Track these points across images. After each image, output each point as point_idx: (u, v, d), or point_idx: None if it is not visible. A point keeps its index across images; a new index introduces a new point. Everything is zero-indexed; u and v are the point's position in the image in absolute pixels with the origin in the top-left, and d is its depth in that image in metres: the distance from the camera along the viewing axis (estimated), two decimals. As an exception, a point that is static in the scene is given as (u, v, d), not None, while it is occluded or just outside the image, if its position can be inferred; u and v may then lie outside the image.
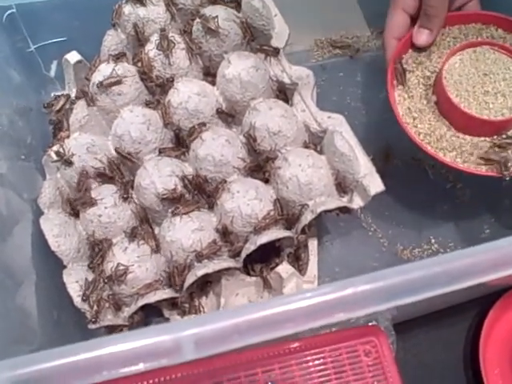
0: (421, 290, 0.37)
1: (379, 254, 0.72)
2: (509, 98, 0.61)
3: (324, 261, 0.69)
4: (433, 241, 0.73)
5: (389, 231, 0.73)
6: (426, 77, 0.65)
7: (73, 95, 0.74)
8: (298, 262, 0.66)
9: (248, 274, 0.65)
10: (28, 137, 0.72)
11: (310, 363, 0.49)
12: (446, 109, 0.63)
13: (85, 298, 0.61)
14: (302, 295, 0.36)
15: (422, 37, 0.64)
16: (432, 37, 0.65)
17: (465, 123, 0.62)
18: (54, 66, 0.80)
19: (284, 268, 0.63)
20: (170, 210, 0.63)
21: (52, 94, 0.79)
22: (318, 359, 0.49)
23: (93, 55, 0.75)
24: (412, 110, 0.64)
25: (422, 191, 0.75)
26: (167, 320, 0.65)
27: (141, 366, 0.32)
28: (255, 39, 0.69)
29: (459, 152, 0.62)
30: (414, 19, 0.66)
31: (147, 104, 0.68)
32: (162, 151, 0.65)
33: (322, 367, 0.49)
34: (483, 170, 0.61)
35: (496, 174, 0.60)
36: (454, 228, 0.74)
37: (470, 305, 0.68)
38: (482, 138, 0.62)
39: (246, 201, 0.61)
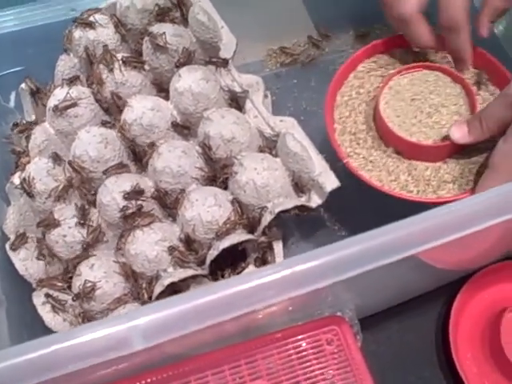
0: (356, 265, 0.39)
1: (344, 251, 0.73)
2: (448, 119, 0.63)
3: (289, 263, 0.71)
4: (396, 233, 0.74)
5: (352, 228, 0.74)
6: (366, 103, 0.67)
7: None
8: (265, 265, 0.67)
9: (216, 280, 0.66)
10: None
11: (276, 356, 0.50)
12: (392, 141, 0.64)
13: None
14: (243, 278, 0.37)
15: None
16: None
17: (410, 150, 0.63)
18: (12, 97, 0.81)
19: (250, 271, 0.64)
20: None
21: (11, 124, 0.80)
22: (283, 351, 0.50)
23: (49, 82, 0.76)
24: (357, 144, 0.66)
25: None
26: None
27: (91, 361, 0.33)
28: (205, 52, 0.71)
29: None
30: None
31: (104, 124, 0.69)
32: (120, 168, 0.66)
33: (286, 359, 0.50)
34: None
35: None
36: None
37: (437, 292, 0.70)
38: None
39: (206, 208, 0.63)
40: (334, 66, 0.86)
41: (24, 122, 0.75)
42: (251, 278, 0.37)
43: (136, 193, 0.63)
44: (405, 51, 0.70)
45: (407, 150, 0.63)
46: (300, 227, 0.74)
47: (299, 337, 0.51)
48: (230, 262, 0.66)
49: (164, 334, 0.35)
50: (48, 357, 0.34)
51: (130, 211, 0.63)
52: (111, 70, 0.67)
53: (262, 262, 0.67)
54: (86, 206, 0.65)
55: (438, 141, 0.62)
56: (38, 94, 0.75)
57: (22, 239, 0.66)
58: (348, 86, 0.68)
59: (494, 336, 0.65)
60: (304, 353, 0.51)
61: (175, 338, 0.35)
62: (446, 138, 0.61)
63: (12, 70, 0.79)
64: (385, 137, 0.64)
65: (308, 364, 0.50)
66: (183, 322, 0.35)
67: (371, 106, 0.66)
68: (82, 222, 0.64)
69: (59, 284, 0.64)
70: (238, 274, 0.65)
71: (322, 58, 0.88)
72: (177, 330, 0.35)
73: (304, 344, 0.51)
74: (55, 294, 0.64)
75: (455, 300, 0.67)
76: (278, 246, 0.68)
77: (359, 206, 0.74)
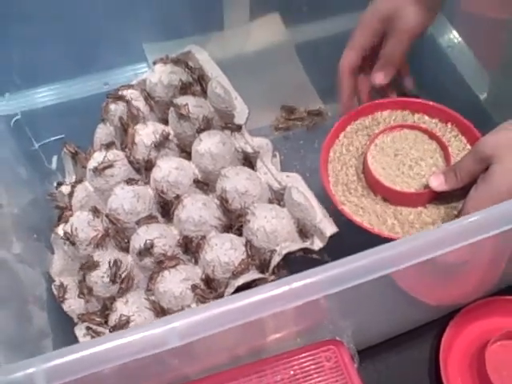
0: (340, 283, 0.49)
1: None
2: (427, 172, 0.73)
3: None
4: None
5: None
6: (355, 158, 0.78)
7: (72, 182, 0.88)
8: (275, 302, 0.77)
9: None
10: (37, 221, 0.85)
11: (282, 371, 0.60)
12: (379, 190, 0.74)
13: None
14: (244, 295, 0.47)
15: (379, 77, 0.77)
16: (387, 79, 0.78)
17: (395, 198, 0.73)
18: (54, 160, 0.94)
19: (262, 306, 0.74)
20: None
21: (54, 184, 0.92)
22: (289, 367, 0.60)
23: (87, 147, 0.89)
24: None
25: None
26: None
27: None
28: (221, 118, 0.83)
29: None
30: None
31: (136, 181, 0.81)
32: (150, 219, 0.78)
33: (291, 374, 0.60)
34: None
35: None
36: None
37: (431, 325, 0.78)
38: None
39: (223, 251, 0.73)
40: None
41: (67, 182, 0.86)
42: (259, 292, 0.48)
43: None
44: (388, 113, 0.82)
45: (393, 198, 0.73)
46: (306, 268, 0.83)
47: (302, 355, 0.61)
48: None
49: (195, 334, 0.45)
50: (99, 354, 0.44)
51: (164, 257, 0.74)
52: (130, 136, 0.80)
53: (273, 299, 0.77)
54: (118, 262, 0.75)
55: (418, 189, 0.72)
56: (77, 157, 0.87)
57: (64, 291, 0.77)
58: (339, 144, 0.80)
59: (480, 366, 0.73)
60: (306, 368, 0.60)
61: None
62: (426, 186, 0.71)
63: (54, 138, 0.92)
64: (373, 186, 0.75)
65: (310, 378, 0.60)
66: (209, 324, 0.45)
67: (360, 160, 0.77)
68: (112, 278, 0.75)
69: (97, 319, 0.75)
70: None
71: (324, 122, 1.00)
72: (204, 331, 0.45)
73: (306, 361, 0.61)
74: (94, 327, 0.74)
75: (444, 333, 0.75)
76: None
77: (358, 248, 0.83)
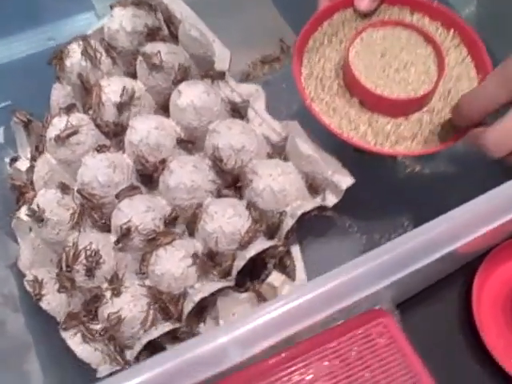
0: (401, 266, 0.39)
1: (359, 246, 0.73)
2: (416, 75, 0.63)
3: (307, 265, 0.70)
4: (406, 223, 0.75)
5: (363, 224, 0.75)
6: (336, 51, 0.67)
7: (27, 155, 0.74)
8: (285, 270, 0.67)
9: (242, 290, 0.66)
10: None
11: (330, 355, 0.50)
12: (357, 91, 0.64)
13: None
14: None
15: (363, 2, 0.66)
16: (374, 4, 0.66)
17: (373, 102, 0.63)
18: (1, 132, 0.80)
19: (275, 277, 0.65)
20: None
21: (5, 160, 0.78)
22: (337, 351, 0.50)
23: (39, 113, 0.75)
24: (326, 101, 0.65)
25: (384, 180, 0.78)
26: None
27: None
28: (199, 67, 0.71)
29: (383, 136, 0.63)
30: None
31: (107, 148, 0.68)
32: (132, 190, 0.66)
33: (342, 357, 0.50)
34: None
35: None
36: (423, 207, 0.76)
37: (458, 273, 0.71)
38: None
39: (226, 219, 0.62)
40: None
41: (22, 156, 0.73)
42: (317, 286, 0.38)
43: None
44: (384, 7, 0.69)
45: (370, 102, 0.63)
46: (311, 229, 0.74)
47: (349, 334, 0.51)
48: (247, 270, 0.66)
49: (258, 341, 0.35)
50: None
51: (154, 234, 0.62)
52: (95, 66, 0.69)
53: (282, 267, 0.67)
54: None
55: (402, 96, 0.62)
56: (31, 126, 0.74)
57: (40, 286, 0.64)
58: (321, 32, 0.68)
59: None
60: (357, 350, 0.51)
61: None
62: (412, 95, 0.61)
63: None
64: (350, 86, 0.64)
65: (363, 361, 0.50)
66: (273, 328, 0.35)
67: (341, 55, 0.66)
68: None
69: (84, 319, 0.63)
70: (262, 281, 0.65)
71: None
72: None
73: (355, 341, 0.51)
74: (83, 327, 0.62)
75: (475, 278, 0.68)
76: (295, 250, 0.68)
77: (368, 202, 0.75)
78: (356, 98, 0.64)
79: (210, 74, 0.70)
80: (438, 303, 0.70)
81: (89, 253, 0.62)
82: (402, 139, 0.62)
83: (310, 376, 0.49)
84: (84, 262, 0.62)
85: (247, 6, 0.90)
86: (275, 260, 0.67)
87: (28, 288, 0.63)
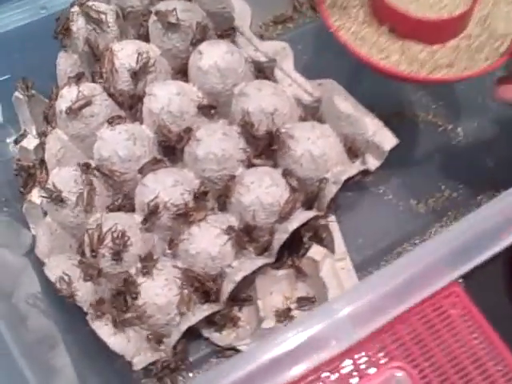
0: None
1: (396, 213, 0.69)
2: None
3: (345, 235, 0.65)
4: (443, 187, 0.70)
5: (397, 189, 0.70)
6: None
7: (33, 133, 0.67)
8: (322, 242, 0.62)
9: (280, 266, 0.60)
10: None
11: (402, 331, 0.45)
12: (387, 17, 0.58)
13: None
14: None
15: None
16: None
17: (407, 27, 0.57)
18: (-1, 110, 0.73)
19: (316, 251, 0.60)
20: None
21: (7, 140, 0.72)
22: (409, 326, 0.45)
23: (41, 86, 0.69)
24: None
25: (415, 141, 0.73)
26: (207, 340, 0.60)
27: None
28: (216, 25, 0.65)
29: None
30: None
31: (122, 120, 0.62)
32: (156, 163, 0.60)
33: (415, 333, 0.45)
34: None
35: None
36: (459, 168, 0.72)
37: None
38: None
39: (264, 190, 0.57)
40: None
41: (27, 134, 0.66)
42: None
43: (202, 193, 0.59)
44: None
45: (403, 27, 0.57)
46: (344, 197, 0.68)
47: (421, 307, 0.46)
48: (284, 245, 0.61)
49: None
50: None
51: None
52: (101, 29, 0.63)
53: (318, 239, 0.62)
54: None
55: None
56: (34, 99, 0.67)
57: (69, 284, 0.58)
58: None
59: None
60: (430, 323, 0.46)
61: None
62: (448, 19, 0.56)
63: (-2, 80, 0.71)
64: (379, 11, 0.58)
65: (438, 335, 0.45)
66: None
67: None
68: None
69: (114, 307, 0.57)
70: (302, 256, 0.60)
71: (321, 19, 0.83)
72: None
73: (427, 314, 0.46)
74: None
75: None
76: (331, 220, 0.63)
77: (401, 166, 0.70)
78: (386, 26, 0.58)
79: (228, 33, 0.63)
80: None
81: (115, 235, 0.56)
82: (438, 68, 0.57)
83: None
84: (110, 244, 0.56)
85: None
86: (310, 233, 0.61)
87: (58, 286, 0.56)
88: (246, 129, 0.60)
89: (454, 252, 0.45)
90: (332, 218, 0.64)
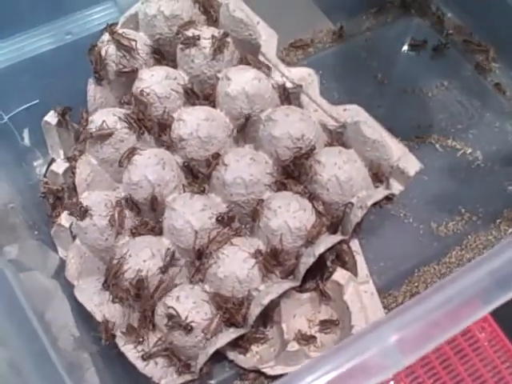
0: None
1: (416, 236, 0.70)
2: None
3: (366, 258, 0.66)
4: (463, 210, 0.72)
5: (418, 213, 0.71)
6: None
7: (61, 157, 0.69)
8: (345, 265, 0.62)
9: (305, 290, 0.61)
10: (28, 214, 0.67)
11: (431, 355, 0.46)
12: None
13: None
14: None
15: None
16: None
17: None
18: (26, 135, 0.74)
19: (341, 274, 0.60)
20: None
21: (34, 164, 0.73)
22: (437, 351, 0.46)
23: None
24: None
25: (436, 166, 0.74)
26: (231, 362, 0.61)
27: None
28: (243, 51, 0.66)
29: None
30: None
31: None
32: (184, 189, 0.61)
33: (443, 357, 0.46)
34: None
35: None
36: (478, 191, 0.73)
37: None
38: None
39: (292, 214, 0.58)
40: (353, 50, 0.84)
41: (56, 158, 0.68)
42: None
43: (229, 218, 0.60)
44: None
45: None
46: (367, 221, 0.69)
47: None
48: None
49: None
50: None
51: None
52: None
53: (342, 262, 0.62)
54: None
55: None
56: (65, 123, 0.68)
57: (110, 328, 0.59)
58: None
59: None
60: (459, 347, 0.46)
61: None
62: None
63: (26, 106, 0.72)
64: None
65: (467, 359, 0.46)
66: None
67: None
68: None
69: (143, 330, 0.58)
70: (326, 279, 0.61)
71: (341, 44, 0.84)
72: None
73: (456, 338, 0.47)
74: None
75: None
76: (354, 243, 0.64)
77: (421, 191, 0.71)
78: None
79: (254, 59, 0.64)
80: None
81: (135, 281, 0.57)
82: None
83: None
84: (128, 285, 0.57)
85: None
86: (333, 256, 0.62)
87: (102, 328, 0.58)
88: (273, 154, 0.61)
89: (490, 285, 0.46)
90: (355, 241, 0.64)
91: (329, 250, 0.60)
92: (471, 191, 0.73)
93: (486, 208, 0.72)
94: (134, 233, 0.61)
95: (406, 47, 0.85)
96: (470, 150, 0.76)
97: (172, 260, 0.58)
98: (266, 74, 0.64)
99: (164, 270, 0.57)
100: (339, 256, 0.62)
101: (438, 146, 0.76)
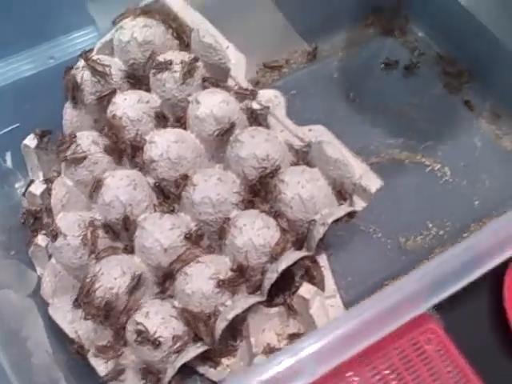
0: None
1: (384, 251, 0.72)
2: None
3: (335, 273, 0.68)
4: (430, 225, 0.74)
5: (387, 228, 0.74)
6: None
7: (40, 179, 0.71)
8: (313, 280, 0.65)
9: (272, 305, 0.63)
10: (6, 235, 0.69)
11: (380, 366, 0.48)
12: None
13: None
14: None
15: None
16: None
17: None
18: (8, 157, 0.77)
19: (306, 289, 0.62)
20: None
21: (15, 186, 0.76)
22: (386, 361, 0.48)
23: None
24: None
25: (405, 182, 0.77)
26: (202, 376, 0.63)
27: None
28: (213, 75, 0.69)
29: None
30: None
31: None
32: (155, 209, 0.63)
33: (392, 368, 0.48)
34: None
35: None
36: (446, 206, 0.75)
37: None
38: None
39: (256, 232, 0.60)
40: (327, 70, 0.86)
41: (35, 180, 0.70)
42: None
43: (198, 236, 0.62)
44: None
45: None
46: (336, 236, 0.72)
47: (397, 343, 0.49)
48: (276, 283, 0.64)
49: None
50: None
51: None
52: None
53: (310, 277, 0.65)
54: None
55: None
56: (42, 146, 0.71)
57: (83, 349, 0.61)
58: None
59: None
60: (407, 358, 0.49)
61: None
62: None
63: (7, 129, 0.75)
64: None
65: (414, 369, 0.48)
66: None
67: None
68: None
69: (115, 348, 0.61)
70: (293, 294, 0.63)
71: (315, 65, 0.87)
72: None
73: (404, 349, 0.49)
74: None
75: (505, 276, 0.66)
76: (322, 259, 0.66)
77: (390, 207, 0.73)
78: None
79: (240, 92, 0.67)
80: (470, 302, 0.68)
81: (103, 302, 0.59)
82: None
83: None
84: (99, 303, 0.59)
85: (251, 12, 0.88)
86: (302, 271, 0.64)
87: (72, 352, 0.60)
88: (240, 174, 0.63)
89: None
90: (323, 256, 0.67)
91: (294, 265, 0.62)
92: (439, 206, 0.75)
93: (453, 222, 0.74)
94: (106, 252, 0.63)
95: (378, 67, 0.88)
96: (438, 166, 0.78)
97: (140, 280, 0.60)
98: (235, 96, 0.66)
99: (132, 289, 0.59)
100: (308, 271, 0.65)
101: (407, 162, 0.79)
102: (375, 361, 0.48)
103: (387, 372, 0.48)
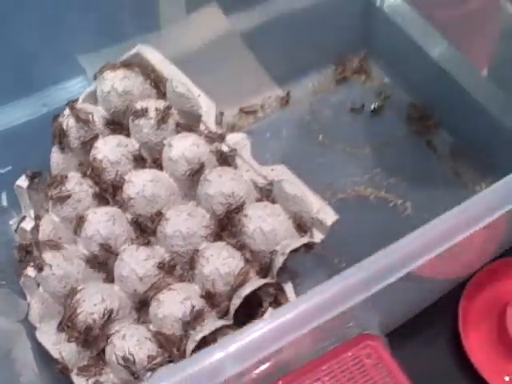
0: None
1: (348, 281, 0.78)
2: None
3: (302, 300, 0.74)
4: (393, 255, 0.79)
5: (350, 259, 0.78)
6: None
7: (31, 216, 0.78)
8: (279, 306, 0.70)
9: (239, 328, 0.69)
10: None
11: (324, 377, 0.54)
12: None
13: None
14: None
15: None
16: None
17: None
18: (4, 196, 0.84)
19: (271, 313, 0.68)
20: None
21: (10, 222, 0.83)
22: (329, 372, 0.54)
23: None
24: None
25: (369, 217, 0.83)
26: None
27: None
28: (187, 121, 0.76)
29: None
30: None
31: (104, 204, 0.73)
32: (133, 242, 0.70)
33: (334, 378, 0.54)
34: None
35: None
36: (406, 239, 0.81)
37: (445, 299, 0.75)
38: None
39: (222, 261, 0.66)
40: (299, 114, 0.94)
41: (26, 217, 0.78)
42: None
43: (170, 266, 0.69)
44: None
45: None
46: (303, 267, 0.77)
47: (341, 357, 0.55)
48: (245, 310, 0.70)
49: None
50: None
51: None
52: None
53: (278, 304, 0.70)
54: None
55: None
56: (34, 186, 0.78)
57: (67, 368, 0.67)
58: None
59: (501, 330, 0.70)
60: (348, 370, 0.54)
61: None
62: None
63: (1, 172, 0.82)
64: None
65: (353, 380, 0.54)
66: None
67: None
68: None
69: (93, 370, 0.67)
70: (261, 318, 0.69)
71: (287, 109, 0.94)
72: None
73: (346, 362, 0.55)
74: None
75: (460, 304, 0.72)
76: (288, 287, 0.72)
77: (354, 239, 0.79)
78: None
79: (210, 136, 0.74)
80: (426, 330, 0.74)
81: (84, 326, 0.65)
82: None
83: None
84: (80, 328, 0.66)
85: (228, 61, 0.96)
86: (270, 299, 0.70)
87: (57, 371, 0.66)
88: (209, 209, 0.70)
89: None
90: (289, 285, 0.72)
91: (260, 291, 0.68)
92: (399, 238, 0.81)
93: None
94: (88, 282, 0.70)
95: (346, 110, 0.95)
96: (400, 201, 0.84)
97: (111, 313, 0.67)
98: (205, 140, 0.73)
99: (107, 318, 0.66)
100: (275, 298, 0.71)
101: (372, 197, 0.85)
102: (318, 372, 0.54)
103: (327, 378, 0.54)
